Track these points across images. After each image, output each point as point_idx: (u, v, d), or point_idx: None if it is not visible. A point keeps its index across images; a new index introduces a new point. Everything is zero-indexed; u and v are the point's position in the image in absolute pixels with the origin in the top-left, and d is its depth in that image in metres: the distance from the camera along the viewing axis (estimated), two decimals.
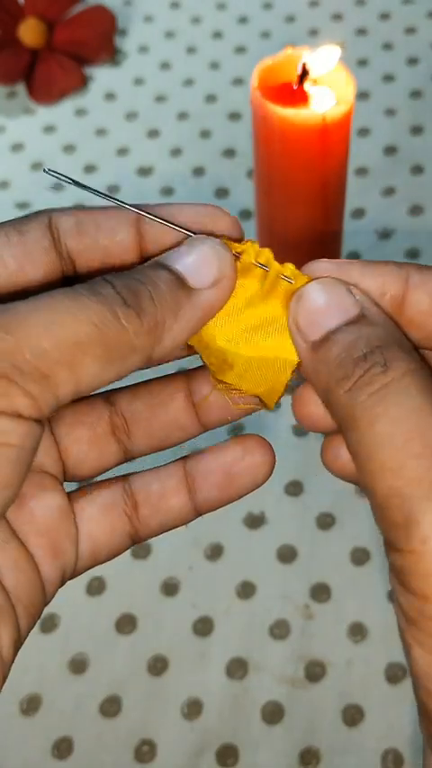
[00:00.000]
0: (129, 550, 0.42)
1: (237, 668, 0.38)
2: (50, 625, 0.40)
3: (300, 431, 0.46)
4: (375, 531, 0.42)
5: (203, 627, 0.39)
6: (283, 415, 0.47)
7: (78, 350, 0.17)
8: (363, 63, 0.64)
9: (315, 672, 0.38)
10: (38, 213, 0.20)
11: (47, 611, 0.40)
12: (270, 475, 0.23)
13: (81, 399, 0.21)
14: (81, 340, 0.17)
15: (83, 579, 0.41)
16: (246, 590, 0.40)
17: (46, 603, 0.20)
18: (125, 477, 0.22)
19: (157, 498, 0.22)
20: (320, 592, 0.40)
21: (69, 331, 0.16)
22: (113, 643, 0.39)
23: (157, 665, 0.38)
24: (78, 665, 0.39)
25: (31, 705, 0.38)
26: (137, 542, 0.22)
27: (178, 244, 0.19)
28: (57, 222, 0.20)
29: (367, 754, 0.36)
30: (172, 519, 0.22)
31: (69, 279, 0.20)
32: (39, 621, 0.39)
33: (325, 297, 0.19)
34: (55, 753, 0.36)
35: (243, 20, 0.67)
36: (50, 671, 0.39)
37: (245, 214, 0.56)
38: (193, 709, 0.37)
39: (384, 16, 0.67)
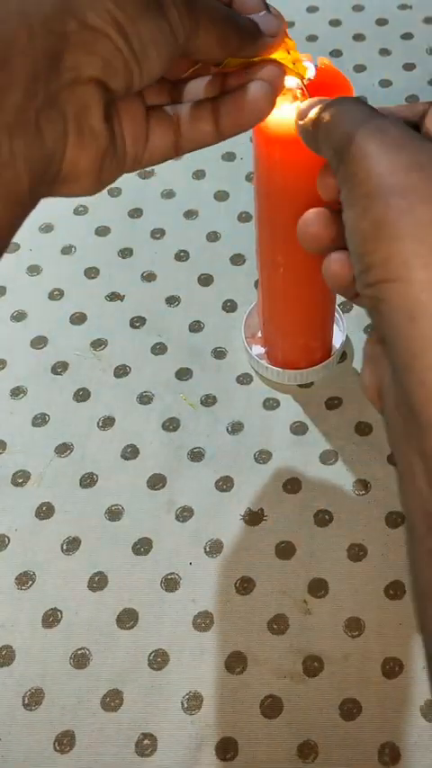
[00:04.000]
0: (130, 547, 0.43)
1: (236, 662, 0.39)
2: (53, 620, 0.40)
3: (298, 430, 0.46)
4: (372, 528, 0.42)
5: (203, 622, 0.40)
6: (282, 415, 0.47)
7: (214, 25, 0.26)
8: (360, 68, 0.65)
9: (313, 666, 0.38)
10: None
11: (49, 606, 0.41)
12: (271, 109, 0.29)
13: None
14: (218, 19, 0.26)
15: (85, 575, 0.42)
16: (245, 585, 0.41)
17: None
18: (175, 107, 0.29)
19: (194, 120, 0.28)
20: (318, 587, 0.41)
21: (218, 12, 0.26)
22: (115, 638, 0.40)
23: (158, 660, 0.39)
24: (80, 660, 0.39)
25: (33, 699, 0.38)
26: (177, 154, 0.29)
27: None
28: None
29: (364, 748, 0.37)
30: (201, 139, 0.29)
31: None
32: (41, 616, 0.40)
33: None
34: (57, 746, 0.37)
35: None
36: (52, 665, 0.39)
37: (244, 216, 0.57)
38: (193, 703, 0.38)
39: (381, 22, 0.68)
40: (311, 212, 0.29)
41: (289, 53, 0.30)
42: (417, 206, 0.23)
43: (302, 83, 0.32)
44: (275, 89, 0.29)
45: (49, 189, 0.25)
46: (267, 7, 0.29)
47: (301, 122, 0.29)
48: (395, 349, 0.23)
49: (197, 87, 0.29)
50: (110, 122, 0.25)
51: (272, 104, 0.29)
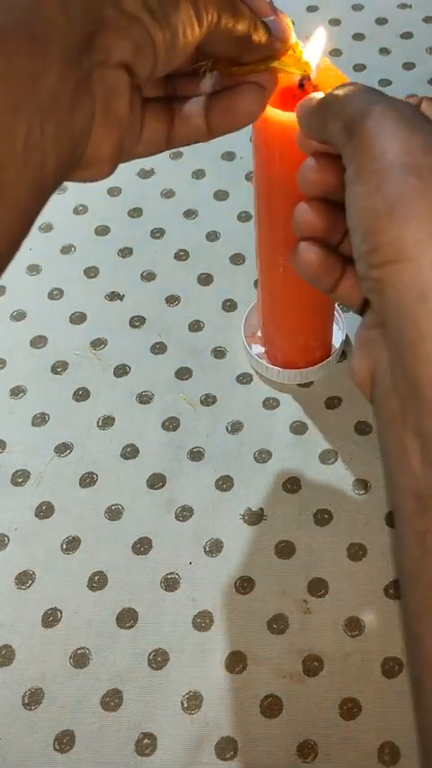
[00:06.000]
0: (130, 547, 0.43)
1: (236, 662, 0.39)
2: (52, 620, 0.40)
3: (298, 429, 0.46)
4: (372, 528, 0.42)
5: (203, 621, 0.40)
6: (282, 415, 0.47)
7: (231, 29, 0.26)
8: (360, 67, 0.64)
9: (313, 666, 0.39)
10: None
11: (49, 606, 0.41)
12: (260, 113, 0.29)
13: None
14: (237, 21, 0.26)
15: (84, 574, 0.42)
16: (245, 585, 0.41)
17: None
18: (171, 98, 0.29)
19: (187, 116, 0.29)
20: (318, 587, 0.41)
21: (237, 9, 0.26)
22: (114, 637, 0.40)
23: (158, 659, 0.39)
24: (80, 659, 0.39)
25: (32, 699, 0.38)
26: (168, 148, 0.29)
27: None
28: None
29: (364, 748, 0.37)
30: (193, 134, 0.29)
31: None
32: (40, 616, 0.40)
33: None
34: (56, 746, 0.37)
35: None
36: (52, 665, 0.39)
37: (244, 216, 0.57)
38: (192, 702, 0.38)
39: (381, 21, 0.68)
40: (306, 202, 0.29)
41: (294, 52, 0.30)
42: None
43: (305, 80, 0.33)
44: (267, 92, 0.29)
45: (70, 172, 0.25)
46: (275, 11, 0.29)
47: (305, 104, 0.29)
48: (400, 330, 0.23)
49: (192, 83, 0.29)
50: (132, 108, 0.26)
51: (262, 107, 0.29)
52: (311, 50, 0.34)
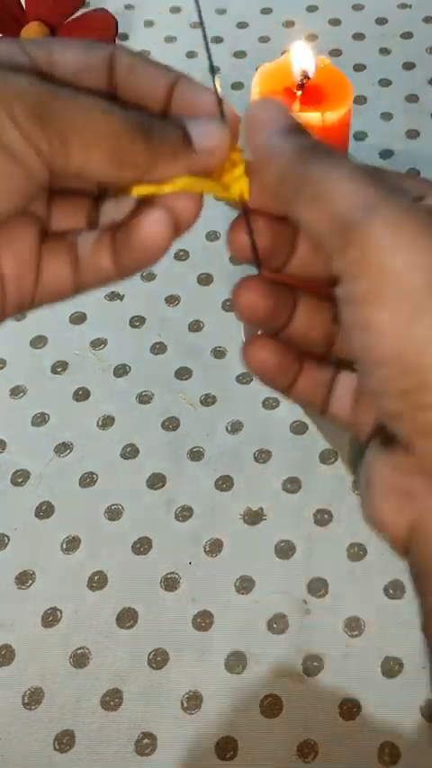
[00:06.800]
0: (130, 547, 0.43)
1: (236, 662, 0.39)
2: (52, 619, 0.40)
3: (298, 429, 0.46)
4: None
5: (203, 621, 0.40)
6: (282, 415, 0.47)
7: (96, 138, 0.20)
8: (360, 67, 0.64)
9: (313, 666, 0.38)
10: (105, 43, 0.23)
11: (49, 605, 0.41)
12: (166, 248, 0.24)
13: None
14: (101, 132, 0.21)
15: (86, 575, 0.42)
16: (245, 585, 0.41)
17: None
18: (74, 233, 0.24)
19: (90, 259, 0.24)
20: (318, 587, 0.41)
21: (98, 122, 0.20)
22: (114, 637, 0.40)
23: (158, 659, 0.39)
24: (80, 659, 0.39)
25: (32, 698, 0.38)
26: (77, 293, 0.24)
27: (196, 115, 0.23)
28: (118, 57, 0.23)
29: (364, 747, 0.37)
30: (101, 277, 0.24)
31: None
32: (40, 616, 0.40)
33: (279, 106, 0.23)
34: (56, 746, 0.37)
35: (242, 24, 0.68)
36: (52, 664, 0.39)
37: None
38: (192, 702, 0.38)
39: (381, 21, 0.68)
40: (247, 278, 0.25)
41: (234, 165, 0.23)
42: None
43: (242, 208, 0.24)
44: (180, 222, 0.23)
45: None
46: (221, 105, 0.23)
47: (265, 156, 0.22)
48: None
49: (116, 208, 0.24)
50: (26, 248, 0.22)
51: (169, 242, 0.23)
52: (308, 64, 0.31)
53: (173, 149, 0.22)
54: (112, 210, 0.24)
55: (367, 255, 0.20)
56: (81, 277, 0.24)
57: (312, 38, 0.66)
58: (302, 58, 0.36)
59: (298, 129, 0.22)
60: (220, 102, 0.23)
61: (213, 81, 0.23)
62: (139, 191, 0.22)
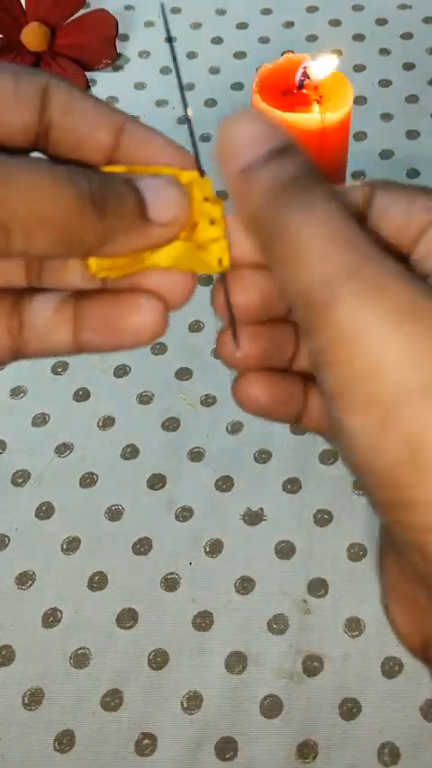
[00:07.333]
0: (130, 547, 0.43)
1: (236, 662, 0.39)
2: (53, 620, 0.40)
3: (299, 430, 0.46)
4: (372, 528, 0.42)
5: (203, 621, 0.40)
6: None
7: (42, 222, 0.18)
8: (360, 68, 0.65)
9: (313, 666, 0.39)
10: (40, 73, 0.20)
11: (49, 606, 0.41)
12: (158, 336, 0.22)
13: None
14: (47, 215, 0.18)
15: (85, 574, 0.42)
16: (245, 585, 0.41)
17: None
18: (20, 294, 0.21)
19: (42, 328, 0.21)
20: (318, 587, 0.41)
21: (44, 203, 0.17)
22: (114, 637, 0.40)
23: (158, 659, 0.39)
24: (80, 660, 0.39)
25: (33, 699, 0.38)
26: (16, 359, 0.21)
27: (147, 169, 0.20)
28: (52, 90, 0.19)
29: (364, 748, 0.37)
30: (52, 349, 0.21)
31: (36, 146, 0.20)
32: (41, 616, 0.40)
33: (254, 125, 0.19)
34: (56, 746, 0.37)
35: (243, 25, 0.68)
36: (52, 665, 0.39)
37: None
38: (192, 702, 0.38)
39: (381, 22, 0.68)
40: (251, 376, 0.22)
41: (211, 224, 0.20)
42: None
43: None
44: (172, 303, 0.22)
45: None
46: (198, 160, 0.20)
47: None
48: None
49: (54, 269, 0.21)
50: None
51: (163, 328, 0.22)
52: (317, 72, 0.30)
53: (127, 223, 0.19)
54: (73, 275, 0.21)
55: (336, 344, 0.17)
56: (23, 347, 0.21)
57: (312, 38, 0.66)
58: (321, 71, 0.36)
59: (278, 151, 0.19)
60: (198, 161, 0.19)
61: (172, 50, 0.21)
62: (100, 268, 0.19)
